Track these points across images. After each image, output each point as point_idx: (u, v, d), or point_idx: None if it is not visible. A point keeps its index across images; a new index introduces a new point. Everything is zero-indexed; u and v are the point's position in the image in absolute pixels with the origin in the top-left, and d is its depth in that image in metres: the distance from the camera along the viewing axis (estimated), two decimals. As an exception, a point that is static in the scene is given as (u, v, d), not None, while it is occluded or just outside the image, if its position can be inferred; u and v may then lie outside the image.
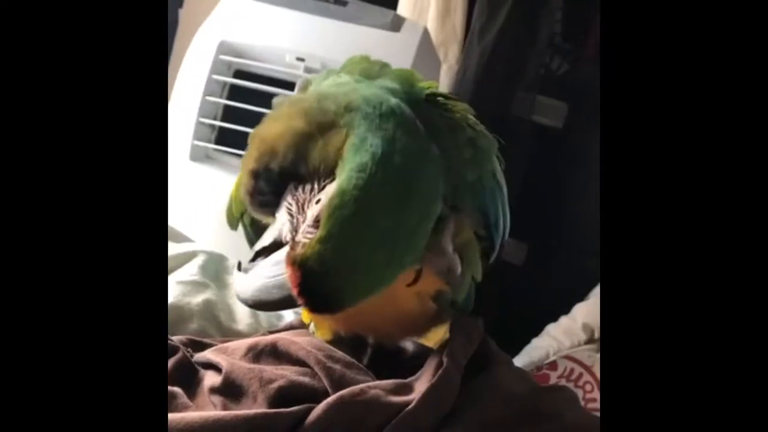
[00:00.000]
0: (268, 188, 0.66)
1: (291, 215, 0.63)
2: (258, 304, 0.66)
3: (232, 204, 0.82)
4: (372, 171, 0.58)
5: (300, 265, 0.57)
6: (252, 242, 0.83)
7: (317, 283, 0.58)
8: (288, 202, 0.64)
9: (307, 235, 0.60)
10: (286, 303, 0.63)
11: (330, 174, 0.61)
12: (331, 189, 0.60)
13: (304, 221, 0.62)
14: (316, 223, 0.59)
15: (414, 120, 0.65)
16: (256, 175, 0.67)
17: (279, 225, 0.65)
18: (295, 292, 0.58)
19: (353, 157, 0.59)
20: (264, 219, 0.70)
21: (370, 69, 0.75)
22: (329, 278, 0.57)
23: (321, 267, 0.57)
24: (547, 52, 1.50)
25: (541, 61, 1.50)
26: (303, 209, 0.63)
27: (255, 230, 0.79)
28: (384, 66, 0.76)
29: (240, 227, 0.83)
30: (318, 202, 0.61)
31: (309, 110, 0.65)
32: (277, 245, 0.65)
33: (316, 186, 0.63)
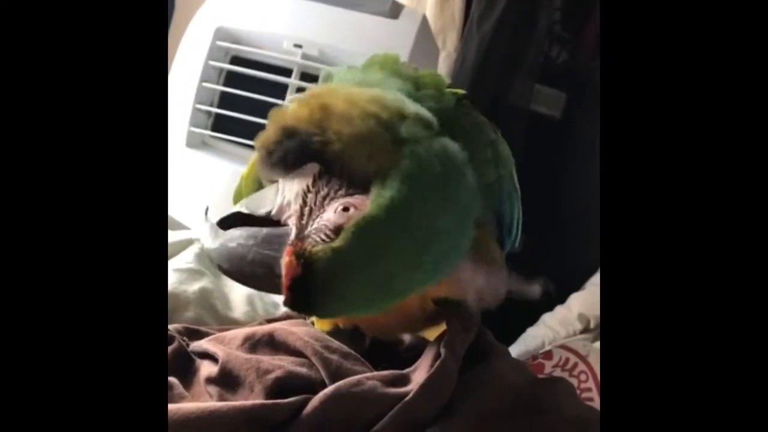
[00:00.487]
0: (289, 154, 0.62)
1: (305, 202, 0.61)
2: (231, 272, 0.63)
3: (242, 185, 0.79)
4: (409, 209, 0.57)
5: (305, 262, 0.56)
6: None
7: (311, 287, 0.57)
8: (307, 186, 0.62)
9: (321, 236, 0.58)
10: (265, 284, 0.63)
11: (362, 185, 0.59)
12: (363, 204, 0.58)
13: (318, 217, 0.60)
14: (337, 230, 0.58)
15: (460, 165, 0.63)
16: (291, 133, 0.62)
17: (279, 203, 0.63)
18: (285, 281, 0.57)
19: (395, 185, 0.57)
20: (265, 178, 0.68)
21: (405, 73, 0.72)
22: (324, 289, 0.56)
23: (323, 276, 0.56)
24: (546, 41, 1.50)
25: (540, 50, 1.49)
26: (323, 204, 0.60)
27: None
28: (416, 69, 0.74)
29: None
30: (345, 209, 0.59)
31: (378, 117, 0.61)
32: (267, 220, 0.63)
33: (344, 188, 0.60)
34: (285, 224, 0.62)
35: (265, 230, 0.61)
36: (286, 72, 1.29)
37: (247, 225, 0.63)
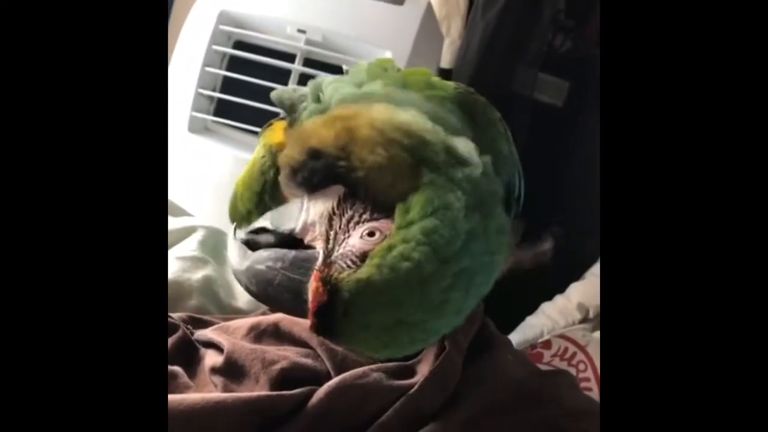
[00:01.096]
0: (315, 174, 0.62)
1: (331, 225, 0.60)
2: (259, 296, 0.63)
3: (237, 199, 0.77)
4: (436, 243, 0.55)
5: (331, 289, 0.55)
6: None
7: (335, 314, 0.55)
8: (332, 208, 0.61)
9: (348, 262, 0.57)
10: (291, 308, 0.62)
11: (386, 209, 0.58)
12: (388, 228, 0.57)
13: (344, 242, 0.59)
14: (363, 256, 0.57)
15: (488, 192, 0.61)
16: (317, 155, 0.61)
17: (303, 222, 0.62)
18: (311, 307, 0.56)
19: (423, 213, 0.56)
20: (288, 194, 0.66)
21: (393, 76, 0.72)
22: (347, 317, 0.55)
23: (348, 304, 0.55)
24: (551, 29, 1.49)
25: (544, 38, 1.48)
26: (347, 228, 0.59)
27: None
28: (400, 70, 0.74)
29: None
30: (371, 234, 0.58)
31: (401, 145, 0.60)
32: (291, 238, 0.62)
33: (368, 212, 0.59)
34: (309, 245, 0.61)
35: (292, 253, 0.60)
36: (290, 57, 1.29)
37: (270, 238, 0.64)
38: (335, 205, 0.61)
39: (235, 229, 0.67)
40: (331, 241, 0.59)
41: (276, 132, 0.74)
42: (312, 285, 0.57)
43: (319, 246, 0.60)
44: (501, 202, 0.62)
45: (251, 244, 0.63)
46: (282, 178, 0.65)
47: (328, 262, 0.58)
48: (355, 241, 0.58)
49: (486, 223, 0.58)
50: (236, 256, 0.64)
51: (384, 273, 0.54)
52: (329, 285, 0.55)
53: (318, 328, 0.57)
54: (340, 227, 0.59)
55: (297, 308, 0.59)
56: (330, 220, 0.60)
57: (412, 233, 0.55)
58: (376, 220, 0.58)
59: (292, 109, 0.72)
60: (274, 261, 0.60)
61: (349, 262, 0.57)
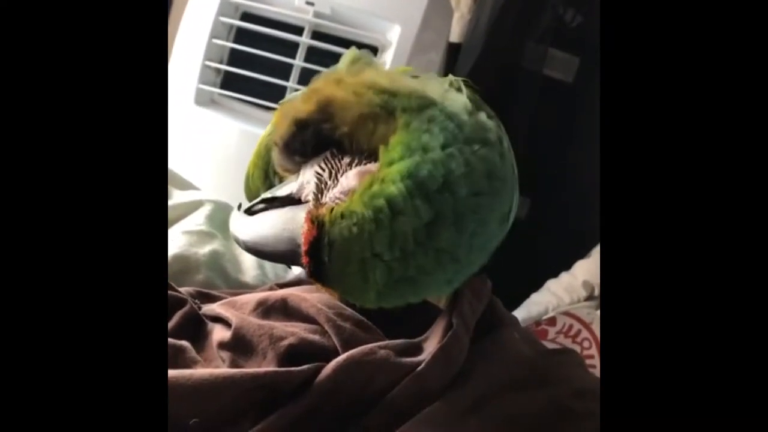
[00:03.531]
0: (306, 143, 0.67)
1: (320, 179, 0.63)
2: (258, 251, 0.66)
3: (248, 179, 0.81)
4: (414, 180, 0.57)
5: (319, 224, 0.58)
6: None
7: (323, 247, 0.57)
8: (321, 166, 0.64)
9: (335, 200, 0.60)
10: (288, 257, 0.64)
11: (372, 156, 0.61)
12: (375, 167, 0.60)
13: (333, 187, 0.62)
14: (351, 192, 0.59)
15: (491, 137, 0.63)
16: (303, 125, 0.66)
17: (299, 183, 0.65)
18: (304, 248, 0.58)
19: (402, 154, 0.58)
20: (283, 172, 0.70)
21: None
22: (336, 252, 0.57)
23: (331, 235, 0.57)
24: (561, 4, 1.47)
25: (555, 13, 1.46)
26: (336, 177, 0.62)
27: None
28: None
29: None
30: (360, 175, 0.61)
31: (379, 90, 0.64)
32: (289, 199, 0.64)
33: (356, 161, 0.63)
34: (305, 201, 0.64)
35: (284, 208, 0.64)
36: (298, 30, 1.27)
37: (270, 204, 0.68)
38: (324, 162, 0.64)
39: (239, 207, 0.70)
40: (322, 191, 0.63)
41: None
42: (304, 227, 0.58)
43: (311, 197, 0.63)
44: (494, 146, 0.63)
45: (252, 213, 0.67)
46: (275, 158, 0.70)
47: (318, 204, 0.61)
48: (343, 182, 0.61)
49: (469, 161, 0.59)
50: (234, 221, 0.68)
51: (360, 205, 0.56)
52: (317, 221, 0.58)
53: (312, 270, 0.59)
54: (329, 177, 0.63)
55: (292, 256, 0.61)
56: (320, 174, 0.64)
57: (391, 172, 0.57)
58: (364, 165, 0.62)
59: None
60: (264, 222, 0.65)
61: (337, 200, 0.60)
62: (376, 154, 0.61)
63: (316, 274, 0.60)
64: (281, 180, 0.73)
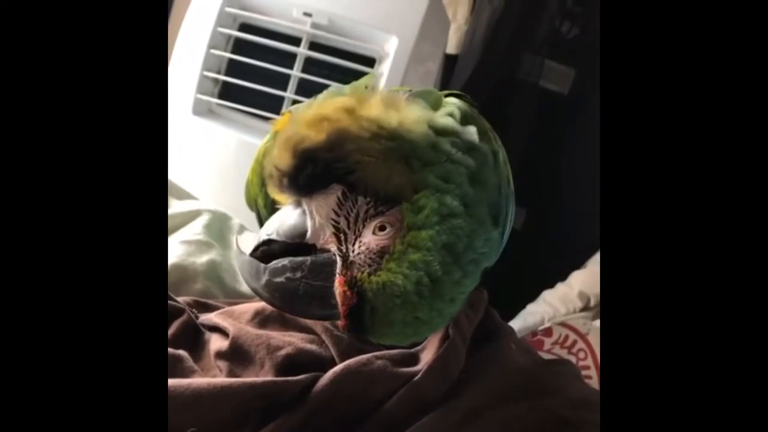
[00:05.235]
0: (315, 178, 0.61)
1: (338, 228, 0.60)
2: (285, 307, 0.64)
3: (248, 185, 0.78)
4: (445, 248, 0.57)
5: (358, 291, 0.56)
6: (262, 224, 0.81)
7: (365, 314, 0.57)
8: (335, 211, 0.60)
9: (367, 260, 0.58)
10: (321, 315, 0.63)
11: (388, 200, 0.59)
12: (396, 220, 0.58)
13: (357, 240, 0.59)
14: (381, 252, 0.58)
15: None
16: (311, 158, 0.60)
17: (311, 223, 0.62)
18: (342, 311, 0.57)
19: (430, 221, 0.57)
20: (284, 200, 0.66)
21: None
22: (378, 316, 0.56)
23: (376, 305, 0.56)
24: (558, 16, 1.48)
25: (552, 25, 1.47)
26: (356, 226, 0.59)
27: (270, 214, 0.74)
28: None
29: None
30: (382, 228, 0.59)
31: (390, 133, 0.60)
32: (302, 246, 0.62)
33: (372, 207, 0.59)
34: (323, 249, 0.61)
35: (309, 260, 0.61)
36: (295, 41, 1.28)
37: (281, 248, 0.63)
38: (338, 205, 0.61)
39: (237, 245, 0.66)
40: (344, 243, 0.60)
41: (282, 120, 0.73)
42: (339, 290, 0.58)
43: (333, 248, 0.60)
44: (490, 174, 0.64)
45: (263, 258, 0.63)
46: (272, 184, 0.64)
47: (347, 263, 0.58)
48: (368, 238, 0.59)
49: (481, 214, 0.60)
50: (249, 272, 0.63)
51: (401, 277, 0.56)
52: (355, 287, 0.57)
53: (350, 328, 0.58)
54: (348, 227, 0.60)
55: (326, 314, 0.60)
56: (336, 221, 0.60)
57: (424, 239, 0.56)
58: (382, 213, 0.59)
59: None
60: (292, 271, 0.60)
61: (369, 261, 0.58)
62: (392, 200, 0.58)
63: (355, 331, 0.59)
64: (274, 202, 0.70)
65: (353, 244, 0.59)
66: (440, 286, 0.57)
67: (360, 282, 0.56)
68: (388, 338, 0.59)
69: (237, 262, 0.66)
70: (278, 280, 0.61)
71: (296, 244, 0.62)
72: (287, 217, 0.64)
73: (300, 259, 0.61)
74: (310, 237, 0.62)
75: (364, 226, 0.59)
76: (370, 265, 0.57)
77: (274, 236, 0.63)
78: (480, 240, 0.59)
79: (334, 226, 0.60)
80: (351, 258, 0.59)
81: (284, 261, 0.61)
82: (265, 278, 0.61)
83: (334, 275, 0.59)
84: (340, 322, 0.58)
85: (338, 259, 0.59)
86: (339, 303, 0.57)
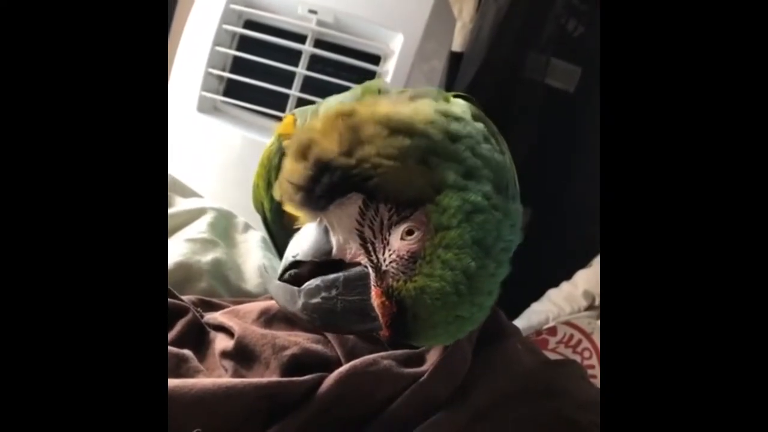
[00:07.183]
0: (333, 187, 0.60)
1: (363, 238, 0.59)
2: (326, 326, 0.64)
3: (255, 189, 0.78)
4: (476, 244, 0.57)
5: (397, 300, 0.57)
6: (269, 228, 0.81)
7: (408, 322, 0.57)
8: (358, 221, 0.60)
9: (401, 268, 0.58)
10: (362, 329, 0.63)
11: (409, 204, 0.58)
12: (422, 223, 0.57)
13: (386, 249, 0.59)
14: (412, 257, 0.57)
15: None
16: (326, 167, 0.59)
17: (336, 238, 0.62)
18: (383, 322, 0.58)
19: (458, 219, 0.57)
20: (303, 213, 0.64)
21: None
22: (419, 322, 0.56)
23: (417, 311, 0.56)
24: (564, 14, 1.48)
25: (558, 23, 1.47)
26: (382, 234, 0.59)
27: (275, 217, 0.76)
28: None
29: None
30: (409, 233, 0.58)
31: (406, 140, 0.59)
32: (330, 263, 0.62)
33: (395, 213, 0.58)
34: (353, 263, 0.61)
35: (341, 276, 0.60)
36: (301, 38, 1.28)
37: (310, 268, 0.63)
38: (360, 215, 0.60)
39: (265, 270, 0.66)
40: (373, 253, 0.59)
41: (286, 123, 0.74)
42: (377, 301, 0.58)
43: (364, 260, 0.60)
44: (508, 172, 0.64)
45: (293, 281, 0.63)
46: (288, 200, 0.63)
47: (381, 273, 0.58)
48: (397, 245, 0.58)
49: (506, 205, 0.60)
50: (284, 298, 0.63)
51: (438, 280, 0.56)
52: (394, 297, 0.57)
53: (393, 337, 0.58)
54: (374, 236, 0.59)
55: (368, 327, 0.60)
56: (360, 232, 0.60)
57: (453, 239, 0.56)
58: (407, 218, 0.58)
59: None
60: (327, 290, 0.60)
61: (402, 267, 0.58)
62: (414, 203, 0.58)
63: (399, 338, 0.59)
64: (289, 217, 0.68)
65: (383, 254, 0.59)
66: (477, 281, 0.57)
67: (397, 290, 0.57)
68: (433, 340, 0.60)
69: (270, 288, 0.66)
70: (315, 301, 0.60)
71: (324, 262, 0.62)
72: (309, 236, 0.63)
73: (332, 276, 0.60)
74: (336, 253, 0.62)
75: (390, 233, 0.59)
76: (404, 272, 0.57)
77: (300, 257, 0.63)
78: (506, 228, 0.59)
79: (359, 237, 0.60)
80: (384, 268, 0.58)
81: (317, 281, 0.61)
82: (301, 301, 0.61)
83: (370, 288, 0.59)
84: (382, 333, 0.58)
85: (371, 270, 0.59)
86: (379, 314, 0.58)
